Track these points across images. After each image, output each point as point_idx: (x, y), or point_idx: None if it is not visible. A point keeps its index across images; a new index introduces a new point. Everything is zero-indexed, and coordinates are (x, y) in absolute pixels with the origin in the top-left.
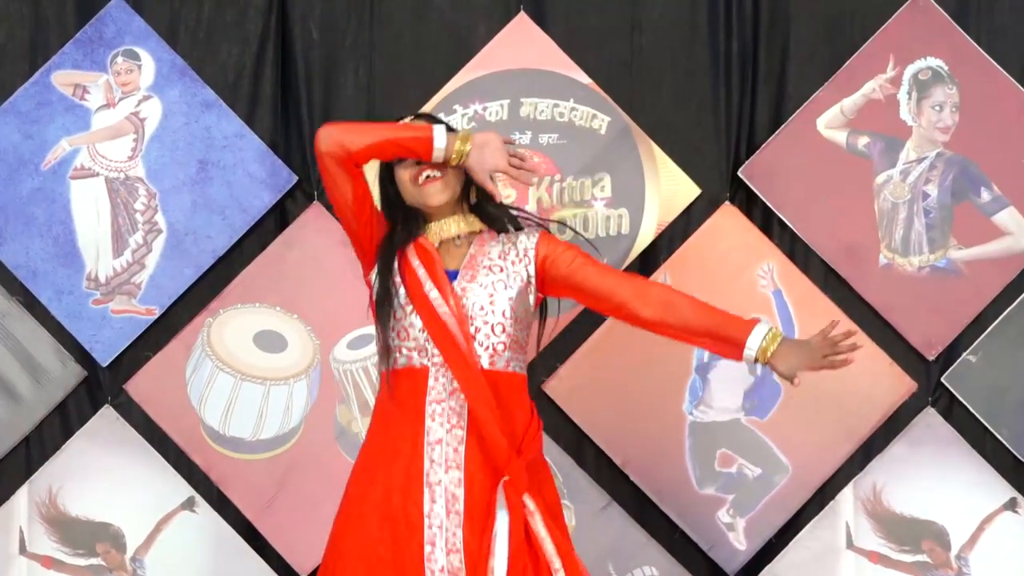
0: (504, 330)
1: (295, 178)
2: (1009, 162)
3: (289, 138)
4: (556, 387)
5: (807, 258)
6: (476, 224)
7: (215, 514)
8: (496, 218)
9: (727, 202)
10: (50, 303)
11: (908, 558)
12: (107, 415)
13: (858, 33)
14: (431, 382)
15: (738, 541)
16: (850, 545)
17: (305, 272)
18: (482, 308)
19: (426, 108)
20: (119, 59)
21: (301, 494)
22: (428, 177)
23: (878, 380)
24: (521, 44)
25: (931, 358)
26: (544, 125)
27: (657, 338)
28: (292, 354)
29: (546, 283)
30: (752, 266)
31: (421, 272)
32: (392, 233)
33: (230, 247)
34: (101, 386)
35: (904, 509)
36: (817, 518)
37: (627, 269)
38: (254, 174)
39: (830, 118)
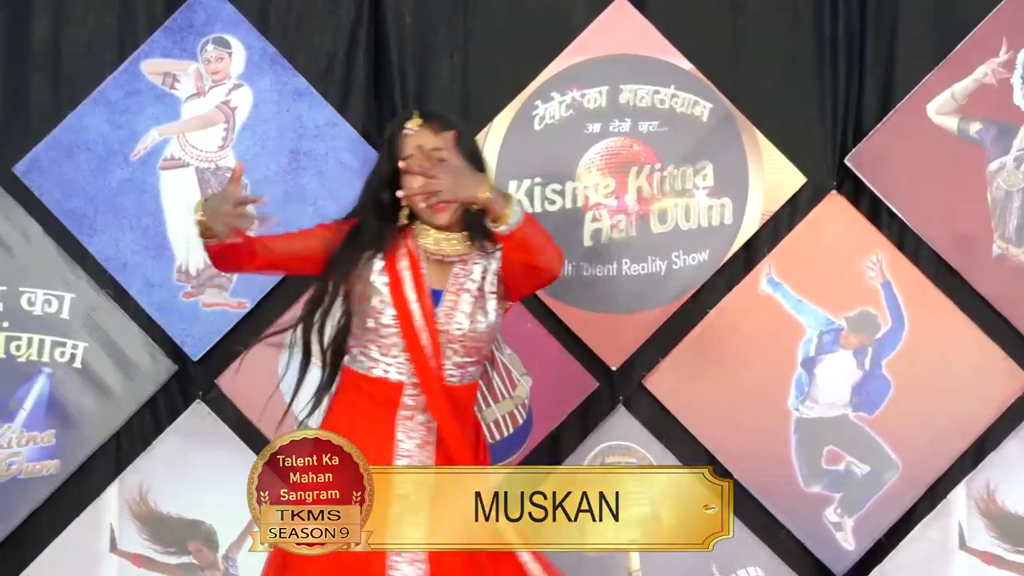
0: (479, 351)
1: None
2: None
3: (382, 127)
4: (657, 382)
5: (917, 249)
6: (469, 242)
7: None
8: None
9: (834, 191)
10: (140, 296)
11: None
12: (198, 410)
13: (969, 15)
14: (404, 398)
15: (846, 541)
16: (963, 545)
17: None
18: (463, 335)
19: (523, 95)
20: (209, 47)
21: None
22: (435, 202)
23: (991, 375)
24: (620, 29)
25: None
26: (644, 112)
27: (761, 332)
28: None
29: (510, 288)
30: (860, 257)
31: (411, 296)
32: (367, 232)
33: None
34: (192, 381)
35: (1019, 508)
36: (928, 517)
37: (730, 261)
38: (346, 163)
39: (941, 104)
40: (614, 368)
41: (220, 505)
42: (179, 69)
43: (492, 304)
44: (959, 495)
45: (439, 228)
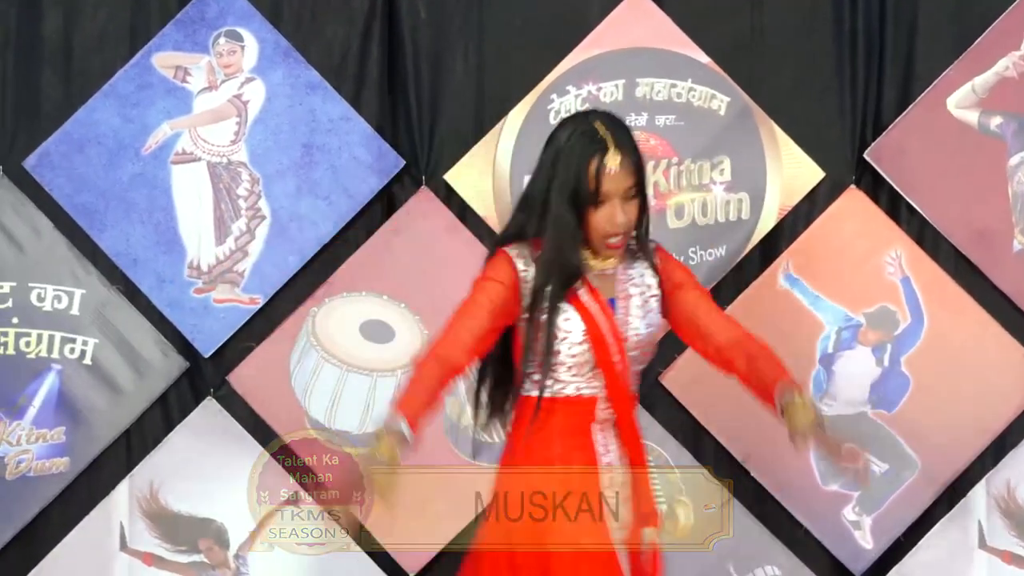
0: (648, 355)
1: (403, 162)
2: None
3: (396, 121)
4: (674, 378)
5: (937, 244)
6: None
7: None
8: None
9: (852, 186)
10: (151, 292)
11: None
12: (210, 407)
13: (990, 8)
14: (598, 412)
15: (864, 540)
16: (983, 545)
17: (413, 259)
18: (639, 341)
19: (538, 89)
20: (221, 40)
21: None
22: (616, 242)
23: (1012, 371)
24: (636, 22)
25: None
26: (661, 106)
27: (779, 328)
28: (400, 344)
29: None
30: (879, 253)
31: (594, 309)
32: (564, 258)
33: (336, 234)
34: (203, 377)
35: None
36: (948, 516)
37: (748, 256)
38: (360, 158)
39: (961, 97)
40: None
41: (231, 503)
42: (191, 62)
43: (655, 306)
44: (979, 494)
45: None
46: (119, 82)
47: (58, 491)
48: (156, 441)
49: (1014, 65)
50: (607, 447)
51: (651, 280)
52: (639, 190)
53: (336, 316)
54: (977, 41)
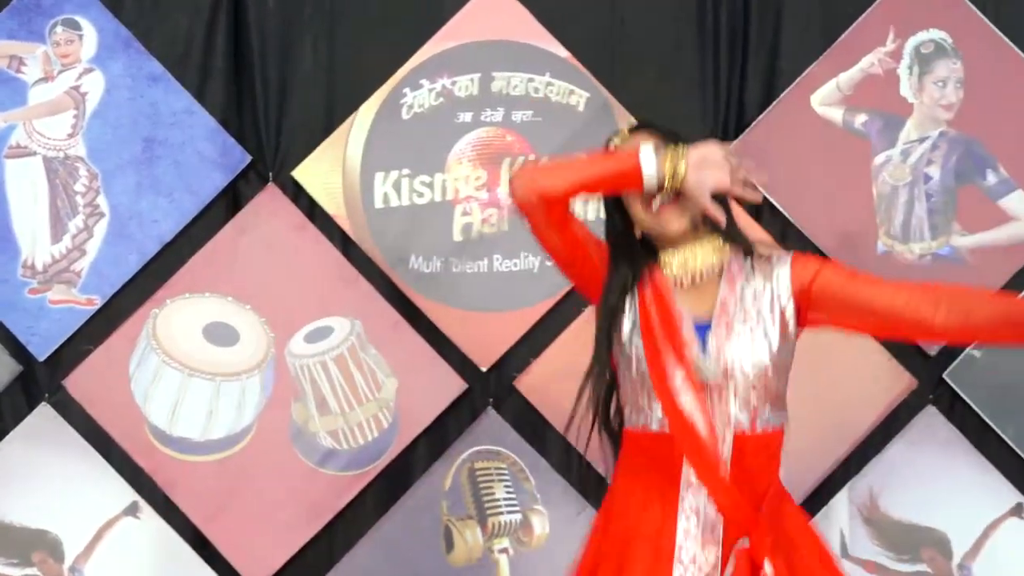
0: (767, 388)
1: (248, 158)
2: (1017, 142)
3: (242, 115)
4: (529, 383)
5: (800, 245)
6: (723, 249)
7: (161, 520)
8: (735, 239)
9: None
10: None
11: (907, 568)
12: (44, 413)
13: (856, 3)
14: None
15: None
16: (845, 554)
17: (259, 259)
18: (743, 368)
19: (390, 83)
20: (58, 28)
21: (253, 499)
22: (663, 203)
23: (875, 376)
24: (493, 14)
25: (932, 353)
26: (517, 101)
27: None
28: (244, 348)
29: (808, 317)
30: None
31: (659, 332)
32: (618, 271)
33: (178, 232)
34: (37, 382)
35: (903, 515)
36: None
37: None
38: (204, 153)
39: (825, 94)
40: (484, 369)
41: (67, 514)
42: (26, 52)
43: (774, 332)
44: (841, 502)
45: (675, 237)
46: None
47: None
48: None
49: (880, 62)
50: (696, 493)
51: (774, 297)
52: None
53: (178, 318)
54: (842, 37)
